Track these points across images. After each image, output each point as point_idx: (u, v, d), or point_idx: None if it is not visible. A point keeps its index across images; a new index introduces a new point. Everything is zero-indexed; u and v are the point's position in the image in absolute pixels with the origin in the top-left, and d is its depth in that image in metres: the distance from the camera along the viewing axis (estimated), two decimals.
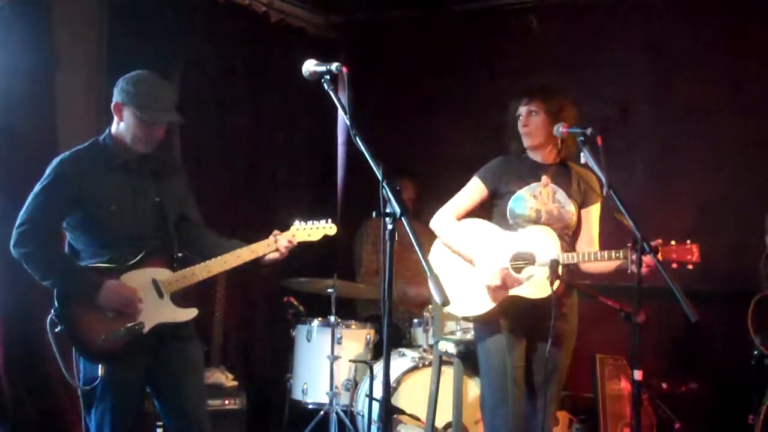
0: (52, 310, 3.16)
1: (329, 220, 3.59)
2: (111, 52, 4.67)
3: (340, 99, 2.63)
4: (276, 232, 3.47)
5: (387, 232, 2.41)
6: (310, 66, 2.71)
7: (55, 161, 3.25)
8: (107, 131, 3.32)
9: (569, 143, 3.63)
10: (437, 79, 6.05)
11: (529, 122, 3.65)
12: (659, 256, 3.24)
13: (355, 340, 5.09)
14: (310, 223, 3.55)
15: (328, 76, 2.68)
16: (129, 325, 3.18)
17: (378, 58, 6.19)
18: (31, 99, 4.25)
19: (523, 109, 3.68)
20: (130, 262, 3.23)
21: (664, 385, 4.98)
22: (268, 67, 5.83)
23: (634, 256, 3.06)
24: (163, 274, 3.28)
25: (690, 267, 3.39)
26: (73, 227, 3.26)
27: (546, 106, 3.62)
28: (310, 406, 5.03)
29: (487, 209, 3.76)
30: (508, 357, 3.57)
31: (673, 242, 3.32)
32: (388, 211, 2.43)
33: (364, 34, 6.39)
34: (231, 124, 5.59)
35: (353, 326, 5.14)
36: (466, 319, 3.90)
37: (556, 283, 3.41)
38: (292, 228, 3.53)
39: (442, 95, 6.04)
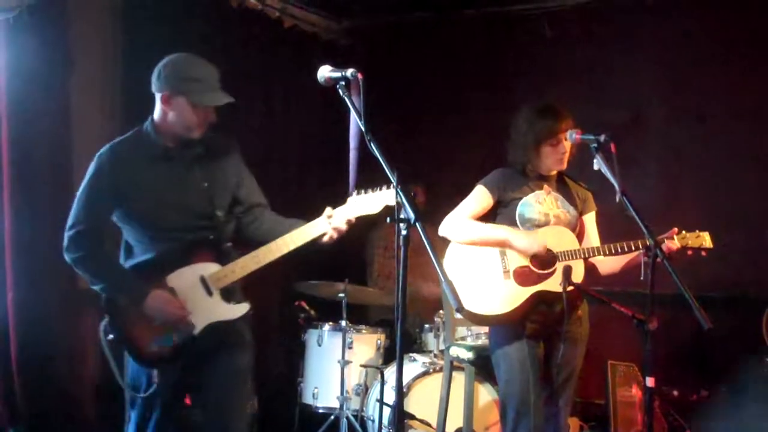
0: (105, 317, 3.11)
1: (389, 186, 3.07)
2: (125, 58, 4.71)
3: (355, 104, 2.64)
4: (329, 210, 3.17)
5: (401, 237, 2.41)
6: (325, 72, 2.71)
7: (95, 157, 3.16)
8: (149, 119, 3.18)
9: (572, 152, 3.65)
10: (449, 84, 6.06)
11: (568, 147, 3.60)
12: (676, 242, 3.43)
13: (366, 344, 5.10)
14: (369, 193, 3.14)
15: (343, 82, 2.68)
16: (179, 329, 3.09)
17: (390, 63, 6.19)
18: (46, 104, 4.28)
19: (563, 136, 3.56)
20: (176, 259, 3.12)
21: (676, 393, 4.96)
22: (280, 73, 5.85)
23: (646, 259, 3.05)
24: (210, 269, 3.14)
25: (704, 254, 3.50)
26: (121, 221, 3.17)
27: (572, 126, 3.57)
28: (321, 411, 5.04)
29: (489, 220, 3.76)
30: (530, 367, 3.56)
31: (684, 231, 3.48)
32: (402, 216, 2.43)
33: (377, 39, 6.40)
34: (243, 129, 5.60)
35: (364, 331, 5.14)
36: (483, 322, 3.86)
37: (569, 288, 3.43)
38: (348, 201, 3.18)
39: (454, 100, 6.04)
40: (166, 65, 3.12)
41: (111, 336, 3.09)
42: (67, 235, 3.12)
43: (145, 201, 3.11)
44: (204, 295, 3.13)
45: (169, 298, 3.08)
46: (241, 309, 3.21)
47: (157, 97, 3.12)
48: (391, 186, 2.90)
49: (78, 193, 3.15)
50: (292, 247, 3.16)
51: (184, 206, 3.15)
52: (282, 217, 3.32)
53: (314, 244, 3.19)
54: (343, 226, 3.16)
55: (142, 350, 3.10)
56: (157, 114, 3.15)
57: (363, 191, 3.17)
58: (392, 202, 3.03)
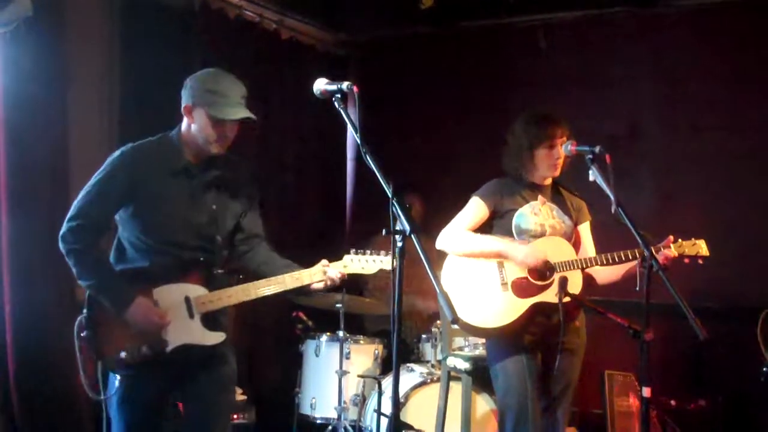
0: (84, 312, 3.12)
1: (387, 253, 3.32)
2: (122, 70, 4.72)
3: (351, 117, 2.65)
4: (325, 262, 3.28)
5: (397, 249, 2.43)
6: (321, 85, 2.73)
7: (116, 153, 3.17)
8: (177, 129, 3.22)
9: (566, 162, 3.67)
10: (446, 96, 6.08)
11: (562, 153, 3.62)
12: (673, 251, 3.48)
13: (364, 355, 5.10)
14: (366, 254, 3.33)
15: (339, 95, 2.70)
16: (150, 342, 3.10)
17: (387, 75, 6.22)
18: (44, 114, 4.28)
19: (558, 141, 3.61)
20: (167, 273, 3.13)
21: (673, 402, 4.97)
22: (278, 84, 5.87)
23: (642, 269, 3.07)
24: (197, 291, 3.16)
25: (700, 262, 3.54)
26: (124, 221, 3.17)
27: (568, 134, 3.63)
28: (319, 421, 5.03)
29: (485, 231, 3.77)
30: (528, 379, 3.57)
31: (680, 239, 3.53)
32: (397, 228, 2.44)
33: (373, 51, 6.43)
34: (239, 140, 5.61)
35: (362, 341, 5.14)
36: (481, 334, 3.87)
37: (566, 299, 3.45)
38: (345, 258, 3.32)
39: (450, 112, 6.06)
40: (193, 77, 3.19)
41: (85, 332, 3.10)
42: (67, 224, 3.10)
43: (155, 209, 3.13)
44: (185, 316, 3.14)
45: (152, 308, 3.09)
46: (217, 337, 3.20)
47: (182, 108, 3.17)
48: (389, 253, 3.18)
49: (88, 185, 3.14)
50: (283, 289, 3.23)
51: (190, 224, 3.17)
52: (276, 254, 3.37)
53: (302, 290, 3.29)
54: (336, 281, 3.26)
55: (110, 353, 3.09)
56: (183, 125, 3.20)
57: (361, 252, 3.31)
58: (388, 267, 3.22)
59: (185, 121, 3.18)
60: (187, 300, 3.14)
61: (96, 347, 3.12)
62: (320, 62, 6.14)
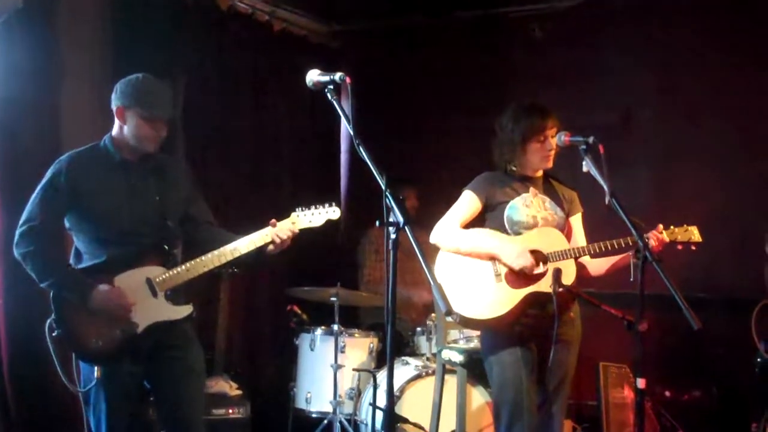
0: (51, 314, 3.22)
1: (332, 204, 3.50)
2: (115, 61, 4.69)
3: (344, 108, 2.64)
4: (273, 221, 3.41)
5: (390, 241, 2.42)
6: (313, 76, 2.72)
7: (54, 163, 3.33)
8: (108, 135, 3.37)
9: (557, 153, 3.67)
10: (439, 87, 6.07)
11: (554, 145, 3.61)
12: (666, 237, 3.48)
13: (359, 348, 5.09)
14: (311, 208, 3.48)
15: (331, 86, 2.70)
16: (122, 326, 3.21)
17: (380, 66, 6.20)
18: (36, 107, 4.27)
19: (550, 133, 3.61)
20: (125, 262, 3.25)
21: (668, 393, 4.98)
22: (270, 76, 5.85)
23: (636, 260, 3.06)
24: (156, 272, 3.29)
25: (693, 248, 3.53)
26: (73, 226, 3.32)
27: (559, 125, 3.62)
28: (314, 415, 5.03)
29: (478, 224, 3.76)
30: (523, 371, 3.55)
31: (672, 226, 3.53)
32: (391, 220, 2.44)
33: (367, 42, 6.41)
34: (234, 132, 5.61)
35: (356, 335, 5.14)
36: (476, 326, 3.87)
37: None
38: (292, 215, 3.47)
39: (444, 103, 6.05)
40: (122, 82, 3.33)
41: (56, 333, 3.21)
42: (18, 231, 3.26)
43: (100, 204, 3.27)
44: (149, 296, 3.28)
45: (113, 290, 3.21)
46: (185, 310, 3.36)
47: (114, 111, 3.31)
48: (334, 204, 3.43)
49: (34, 194, 3.29)
50: (237, 254, 3.37)
51: (137, 214, 3.32)
52: (232, 234, 3.46)
53: (261, 254, 3.40)
54: (285, 236, 3.37)
55: (85, 347, 3.21)
56: (114, 129, 3.35)
57: (306, 208, 3.47)
58: (335, 217, 3.44)
59: (116, 124, 3.33)
60: (149, 281, 3.29)
61: (70, 343, 3.23)
62: (313, 53, 6.12)
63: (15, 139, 4.19)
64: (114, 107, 3.31)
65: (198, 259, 3.34)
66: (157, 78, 3.35)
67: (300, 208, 3.47)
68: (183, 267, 3.32)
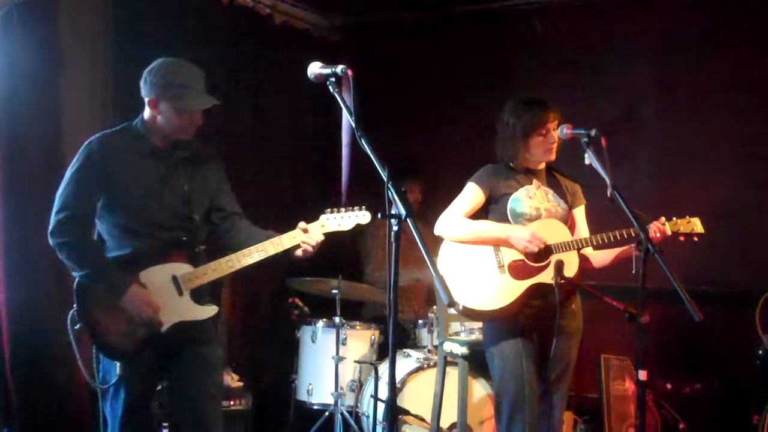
0: (74, 306, 3.15)
1: (362, 207, 3.35)
2: (116, 55, 4.69)
3: (345, 101, 2.64)
4: (303, 225, 3.29)
5: (392, 233, 2.42)
6: (315, 68, 2.72)
7: (84, 145, 3.21)
8: (139, 118, 3.26)
9: (558, 146, 3.67)
10: (441, 80, 6.06)
11: (556, 137, 3.62)
12: (668, 228, 3.48)
13: (360, 340, 5.10)
14: (341, 211, 3.35)
15: (333, 79, 2.69)
16: (146, 324, 3.14)
17: (381, 60, 6.19)
18: (36, 101, 4.26)
19: (551, 126, 3.62)
20: (151, 256, 3.17)
21: (669, 386, 4.98)
22: (272, 69, 5.84)
23: (638, 252, 3.06)
24: (183, 269, 3.21)
25: (696, 239, 3.54)
26: (102, 213, 3.21)
27: (560, 118, 3.62)
28: (315, 407, 5.04)
29: (481, 216, 3.76)
30: (524, 362, 3.57)
31: (675, 217, 3.53)
32: (393, 212, 2.44)
33: (368, 36, 6.40)
34: (234, 125, 5.60)
35: (358, 327, 5.14)
36: (479, 317, 3.87)
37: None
38: (321, 218, 3.34)
39: (446, 97, 6.04)
40: (151, 71, 3.21)
41: (78, 325, 3.14)
42: (54, 219, 3.15)
43: (129, 191, 3.17)
44: (174, 295, 3.20)
45: (147, 299, 3.14)
46: (210, 311, 3.28)
47: (145, 101, 3.21)
48: (363, 207, 3.27)
49: (66, 178, 3.19)
50: (264, 255, 3.27)
51: (165, 203, 3.22)
52: (257, 228, 3.39)
53: (287, 257, 3.30)
54: (317, 240, 3.27)
55: (108, 341, 3.15)
56: (146, 114, 3.24)
57: (336, 210, 3.32)
58: (365, 221, 3.30)
59: (148, 111, 3.23)
60: (174, 279, 3.20)
61: (92, 337, 3.15)
62: (314, 46, 6.11)
63: (16, 131, 4.17)
64: (145, 98, 3.21)
65: (225, 259, 3.24)
66: (185, 63, 3.23)
67: (329, 210, 3.35)
68: (210, 266, 3.23)
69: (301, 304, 5.18)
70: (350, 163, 6.56)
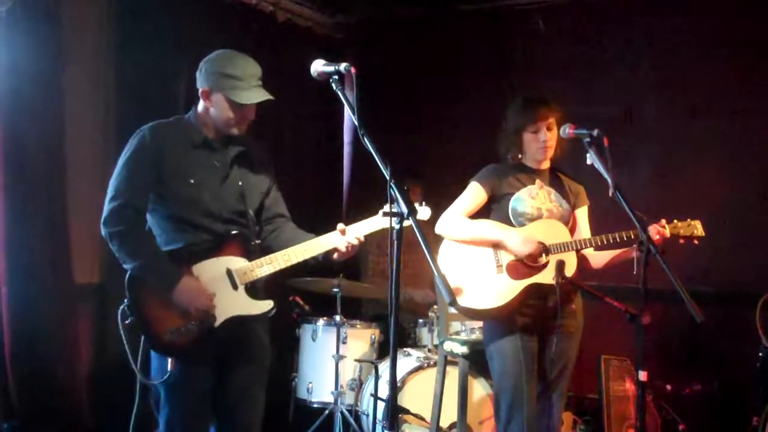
0: (124, 301, 3.05)
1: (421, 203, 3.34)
2: (118, 53, 4.69)
3: (348, 99, 2.64)
4: (342, 227, 3.19)
5: (394, 231, 2.42)
6: (318, 66, 2.71)
7: (136, 133, 3.14)
8: (192, 110, 3.21)
9: (562, 146, 3.67)
10: (443, 79, 6.06)
11: (550, 137, 3.63)
12: (668, 231, 3.48)
13: (360, 339, 5.11)
14: (374, 216, 3.25)
15: (336, 77, 2.67)
16: (200, 318, 3.05)
17: (384, 58, 6.19)
18: (38, 100, 4.25)
19: (543, 124, 3.63)
20: (204, 250, 3.09)
21: (669, 386, 4.98)
22: (274, 67, 5.81)
23: (638, 253, 3.06)
24: (238, 263, 3.12)
25: (696, 242, 3.53)
26: (155, 205, 3.13)
27: (558, 117, 3.63)
28: (315, 406, 5.04)
29: (484, 215, 3.77)
30: (523, 361, 3.58)
31: (676, 220, 3.51)
32: (395, 211, 2.43)
33: (371, 34, 6.40)
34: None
35: (358, 326, 5.15)
36: (477, 316, 3.88)
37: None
38: (359, 221, 3.26)
39: (448, 95, 6.04)
40: (207, 61, 3.16)
41: (129, 320, 3.03)
42: (108, 207, 3.05)
43: (185, 181, 3.09)
44: (229, 289, 3.11)
45: (200, 288, 3.05)
46: (265, 305, 3.17)
47: (199, 92, 3.15)
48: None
49: (118, 166, 3.10)
50: (319, 251, 3.17)
51: (221, 195, 3.15)
52: (302, 230, 3.32)
53: (325, 259, 3.22)
54: (355, 241, 3.18)
55: (159, 337, 3.03)
56: (200, 107, 3.19)
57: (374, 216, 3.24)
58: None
59: (201, 103, 3.17)
60: (229, 272, 3.11)
61: (142, 332, 3.05)
62: (317, 44, 6.11)
63: (18, 128, 4.17)
64: (199, 88, 3.14)
65: (281, 253, 3.14)
66: (242, 56, 3.19)
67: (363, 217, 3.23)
68: (266, 258, 3.13)
69: (301, 302, 5.18)
70: (351, 161, 6.57)
